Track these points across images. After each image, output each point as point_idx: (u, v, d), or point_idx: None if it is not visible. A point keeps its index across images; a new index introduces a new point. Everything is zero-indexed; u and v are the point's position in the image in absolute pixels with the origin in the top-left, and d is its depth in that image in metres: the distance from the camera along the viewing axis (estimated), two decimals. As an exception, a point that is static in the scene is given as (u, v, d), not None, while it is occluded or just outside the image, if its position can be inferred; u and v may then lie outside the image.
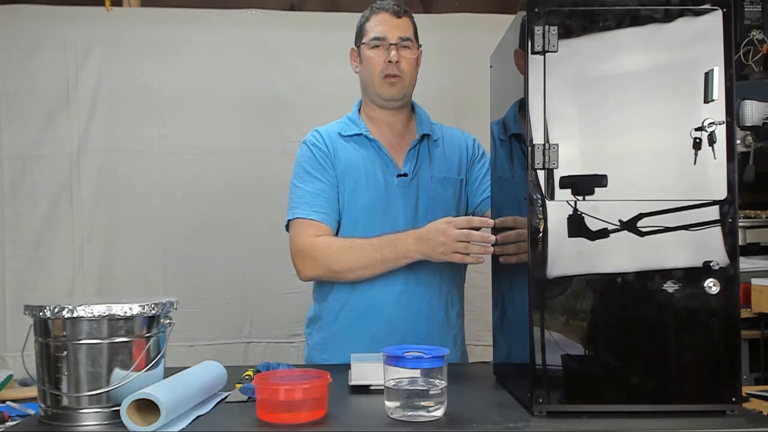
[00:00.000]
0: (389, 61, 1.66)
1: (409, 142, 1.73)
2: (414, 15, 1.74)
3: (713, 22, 1.15)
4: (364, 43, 1.71)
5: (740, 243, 1.42)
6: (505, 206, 1.37)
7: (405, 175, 1.69)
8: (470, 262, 1.51)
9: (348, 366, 1.37)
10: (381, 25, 1.69)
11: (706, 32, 1.15)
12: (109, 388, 1.12)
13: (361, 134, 1.72)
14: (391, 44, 1.67)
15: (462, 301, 1.78)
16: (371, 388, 1.32)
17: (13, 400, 1.60)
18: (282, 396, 1.11)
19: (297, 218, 1.67)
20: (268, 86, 2.72)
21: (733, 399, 1.13)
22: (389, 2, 1.72)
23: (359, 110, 1.78)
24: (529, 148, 1.15)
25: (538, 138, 1.15)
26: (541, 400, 1.13)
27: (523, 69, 1.18)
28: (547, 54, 1.15)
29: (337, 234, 1.68)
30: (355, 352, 1.53)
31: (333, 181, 1.69)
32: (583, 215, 1.14)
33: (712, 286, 1.13)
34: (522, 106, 1.19)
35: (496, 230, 1.44)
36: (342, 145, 1.72)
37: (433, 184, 1.71)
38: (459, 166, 1.76)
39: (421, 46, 1.75)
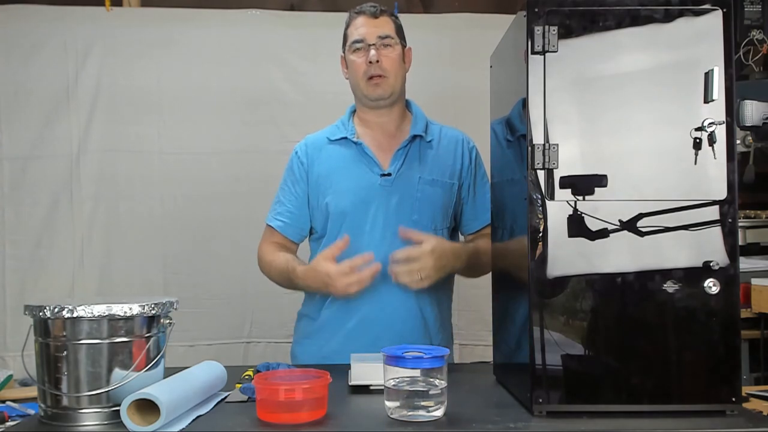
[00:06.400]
0: (370, 62, 1.67)
1: (400, 141, 1.73)
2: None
3: (713, 22, 1.15)
4: (346, 49, 1.74)
5: (740, 243, 1.42)
6: (516, 208, 1.35)
7: (389, 174, 1.70)
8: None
9: (347, 366, 1.37)
10: (360, 28, 1.71)
11: (706, 32, 1.15)
12: (109, 388, 1.12)
13: (346, 137, 1.73)
14: (370, 45, 1.68)
15: (441, 305, 1.75)
16: (371, 388, 1.32)
17: (13, 400, 1.59)
18: (282, 396, 1.11)
19: (268, 223, 1.79)
20: (268, 86, 2.72)
21: (733, 399, 1.13)
22: (367, 5, 1.73)
23: (353, 114, 1.80)
24: (529, 148, 1.15)
25: (538, 138, 1.15)
26: (541, 400, 1.13)
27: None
28: (547, 54, 1.15)
29: (322, 237, 1.73)
30: (331, 348, 1.65)
31: (302, 192, 1.75)
32: (583, 215, 1.14)
33: (712, 286, 1.13)
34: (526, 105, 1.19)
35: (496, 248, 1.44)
36: (327, 149, 1.75)
37: (421, 185, 1.71)
38: (452, 171, 1.76)
39: (405, 44, 1.75)
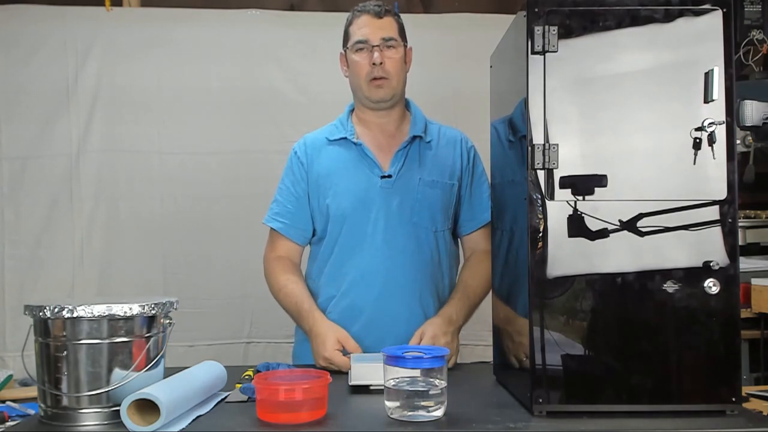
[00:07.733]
0: (373, 64, 1.66)
1: (400, 142, 1.72)
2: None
3: (713, 22, 1.15)
4: (348, 48, 1.71)
5: (740, 243, 1.42)
6: (517, 208, 1.34)
7: (389, 176, 1.69)
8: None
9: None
10: (363, 27, 1.68)
11: (706, 32, 1.15)
12: (109, 388, 1.12)
13: (346, 138, 1.72)
14: (374, 46, 1.66)
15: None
16: (371, 388, 1.32)
17: (13, 400, 1.59)
18: (282, 396, 1.11)
19: (266, 223, 1.77)
20: (268, 86, 2.72)
21: (733, 399, 1.13)
22: (371, 3, 1.71)
23: (351, 112, 1.79)
24: (529, 148, 1.15)
25: (538, 138, 1.15)
26: (541, 400, 1.13)
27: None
28: (547, 54, 1.15)
29: (322, 239, 1.72)
30: None
31: (302, 191, 1.73)
32: (583, 215, 1.14)
33: (712, 286, 1.13)
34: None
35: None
36: (327, 149, 1.74)
37: (421, 187, 1.69)
38: (452, 171, 1.75)
39: (407, 45, 1.74)
